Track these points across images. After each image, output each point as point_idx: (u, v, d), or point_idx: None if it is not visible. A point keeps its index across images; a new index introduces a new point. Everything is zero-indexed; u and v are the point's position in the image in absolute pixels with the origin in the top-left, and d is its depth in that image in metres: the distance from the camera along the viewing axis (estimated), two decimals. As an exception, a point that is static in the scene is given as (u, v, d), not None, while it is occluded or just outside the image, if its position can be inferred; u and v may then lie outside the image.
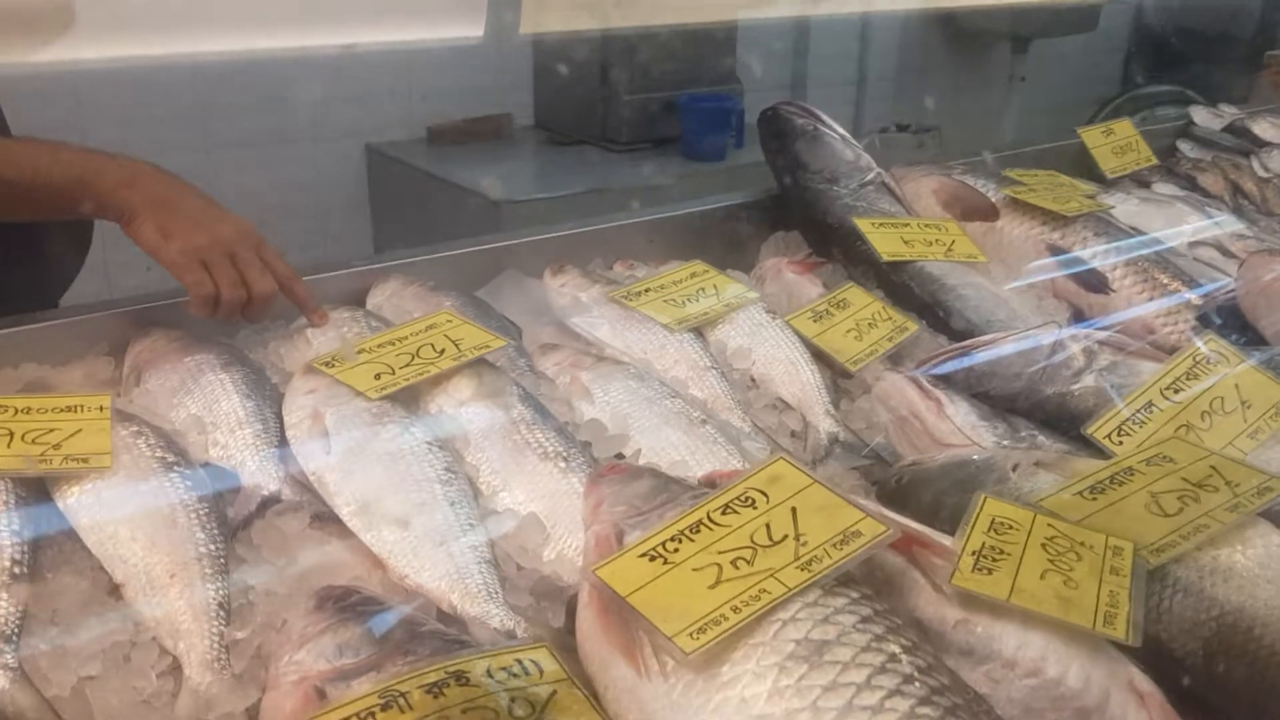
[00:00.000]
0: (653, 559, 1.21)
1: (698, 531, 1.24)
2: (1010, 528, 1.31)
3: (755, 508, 1.26)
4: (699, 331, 2.12)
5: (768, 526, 1.23)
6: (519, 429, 1.65)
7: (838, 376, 2.12)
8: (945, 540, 1.26)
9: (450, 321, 1.85)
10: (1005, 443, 1.70)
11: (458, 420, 1.69)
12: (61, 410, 1.54)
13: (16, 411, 1.52)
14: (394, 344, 1.78)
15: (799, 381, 2.05)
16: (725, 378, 2.01)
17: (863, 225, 2.40)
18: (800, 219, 2.57)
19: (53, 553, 1.42)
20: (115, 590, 1.38)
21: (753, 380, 2.08)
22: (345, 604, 1.30)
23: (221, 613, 1.36)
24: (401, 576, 1.45)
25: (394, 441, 1.61)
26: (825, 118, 2.64)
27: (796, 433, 1.99)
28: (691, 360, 2.03)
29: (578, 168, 4.92)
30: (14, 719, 1.20)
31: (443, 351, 1.75)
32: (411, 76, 5.15)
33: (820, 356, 2.12)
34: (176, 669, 1.32)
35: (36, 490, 1.46)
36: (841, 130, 2.63)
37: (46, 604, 1.35)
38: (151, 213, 1.81)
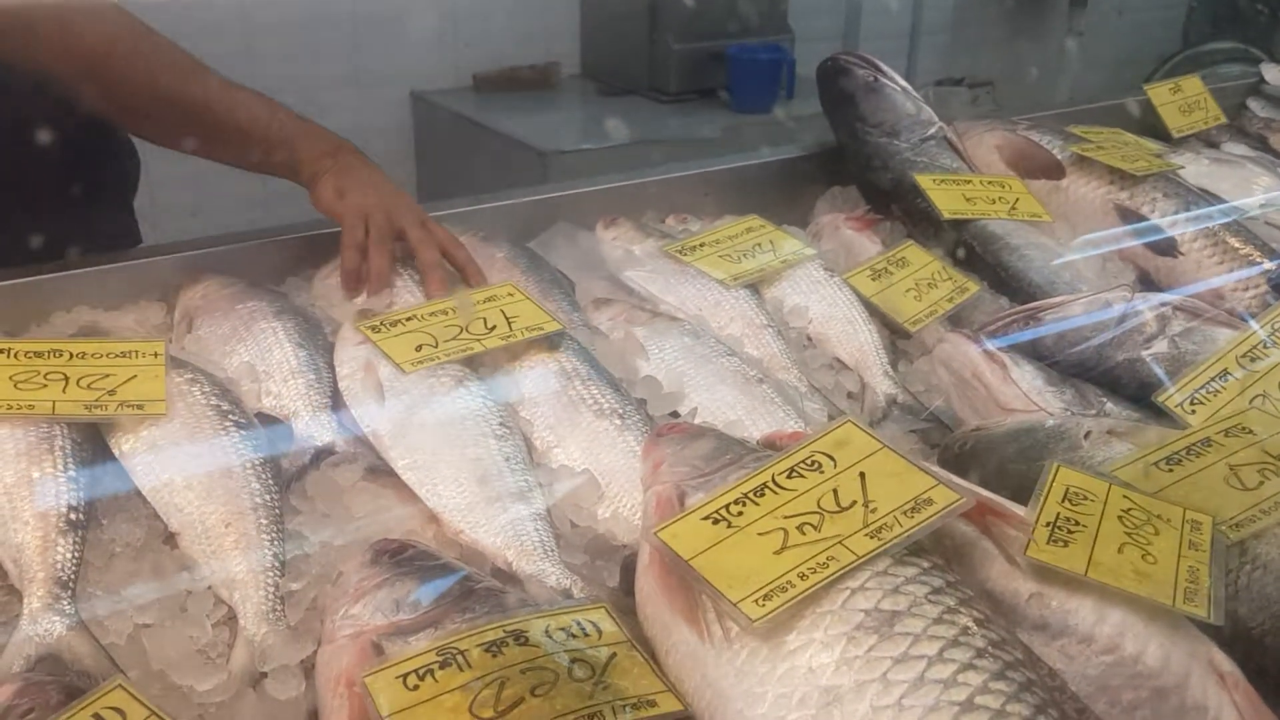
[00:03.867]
0: (716, 522, 1.18)
1: (762, 495, 1.21)
2: (1085, 498, 1.27)
3: (822, 472, 1.23)
4: (755, 288, 2.07)
5: (835, 492, 1.20)
6: (574, 385, 1.63)
7: (896, 337, 2.07)
8: (1018, 510, 1.22)
9: (511, 295, 1.80)
10: (1073, 409, 1.65)
11: (513, 375, 1.66)
12: (116, 355, 1.53)
13: (72, 356, 1.51)
14: (447, 313, 1.75)
15: (856, 341, 2.01)
16: (781, 336, 1.97)
17: (923, 181, 2.34)
18: (858, 174, 2.51)
19: (108, 499, 1.41)
20: (171, 539, 1.37)
21: (809, 339, 2.04)
22: (401, 558, 1.29)
23: (277, 564, 1.35)
24: (456, 532, 1.43)
25: (448, 395, 1.58)
26: (886, 69, 2.56)
27: (853, 394, 1.95)
28: (747, 317, 1.99)
29: (625, 118, 4.85)
30: (71, 665, 1.20)
31: (493, 328, 1.71)
32: (457, 23, 5.09)
33: (878, 316, 2.07)
34: (232, 619, 1.31)
35: (92, 436, 1.45)
36: (903, 82, 2.55)
37: (103, 551, 1.35)
38: (334, 178, 1.97)
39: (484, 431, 1.54)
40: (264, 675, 1.24)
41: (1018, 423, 1.58)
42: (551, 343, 1.70)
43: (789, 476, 1.23)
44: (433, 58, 5.09)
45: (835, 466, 1.23)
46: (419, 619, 1.19)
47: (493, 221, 2.24)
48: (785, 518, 1.18)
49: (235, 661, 1.25)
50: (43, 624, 1.22)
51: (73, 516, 1.32)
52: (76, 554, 1.30)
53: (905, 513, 1.16)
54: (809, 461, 1.24)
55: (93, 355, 1.51)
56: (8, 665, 1.18)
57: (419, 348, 1.66)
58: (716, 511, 1.19)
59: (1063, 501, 1.25)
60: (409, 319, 1.73)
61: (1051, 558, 1.16)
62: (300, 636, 1.28)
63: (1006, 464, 1.49)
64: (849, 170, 2.54)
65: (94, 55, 1.87)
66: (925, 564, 1.13)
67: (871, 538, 1.14)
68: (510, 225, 2.25)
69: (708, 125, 4.73)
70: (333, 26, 4.78)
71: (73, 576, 1.28)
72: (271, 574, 1.33)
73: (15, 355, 1.48)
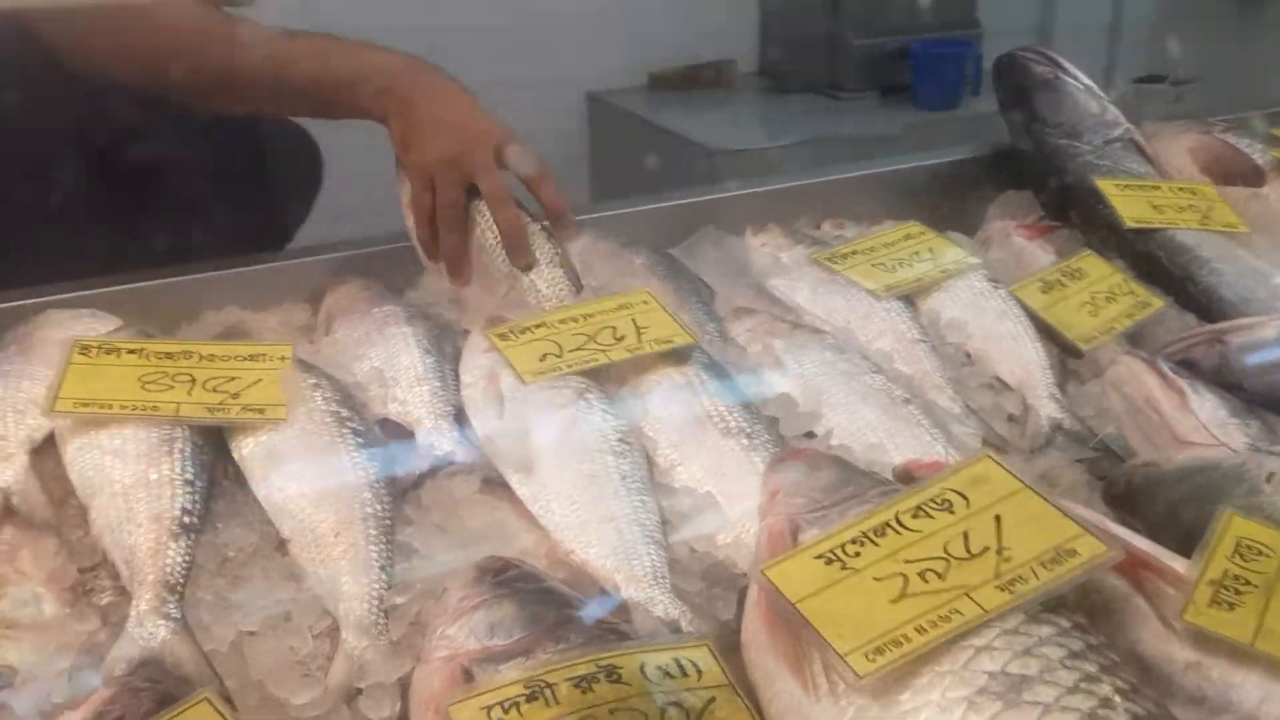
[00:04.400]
0: (830, 562, 1.09)
1: (883, 535, 1.10)
2: (1260, 553, 1.11)
3: (953, 512, 1.11)
4: (910, 299, 1.94)
5: (965, 535, 1.08)
6: (699, 400, 1.54)
7: (1066, 356, 1.91)
8: (1179, 564, 1.08)
9: (645, 304, 1.73)
10: (1259, 446, 1.47)
11: (638, 389, 1.59)
12: (245, 359, 1.53)
13: (201, 358, 1.52)
14: (576, 320, 1.68)
15: (1021, 359, 1.86)
16: (936, 352, 1.84)
17: (1105, 187, 2.16)
18: (1034, 177, 2.34)
19: (225, 503, 1.41)
20: (283, 546, 1.36)
21: (968, 356, 1.89)
22: (503, 578, 1.24)
23: (383, 576, 1.32)
24: (567, 551, 1.37)
25: (568, 408, 1.53)
26: (1068, 65, 2.39)
27: (1014, 417, 1.80)
28: (898, 331, 1.86)
29: (801, 116, 4.74)
30: (172, 671, 1.19)
31: (621, 339, 1.64)
32: (634, 22, 5.07)
33: (1047, 332, 1.91)
34: (335, 631, 1.28)
35: (214, 439, 1.45)
36: (1086, 80, 2.37)
37: (215, 555, 1.34)
38: (398, 124, 1.82)
39: (602, 447, 1.48)
40: (359, 692, 1.21)
41: (1192, 459, 1.41)
42: (679, 355, 1.63)
43: (915, 516, 1.12)
44: (610, 58, 5.08)
45: (968, 507, 1.11)
46: (511, 646, 1.14)
47: (643, 226, 2.18)
48: (907, 562, 1.07)
49: (333, 676, 1.22)
50: (148, 627, 1.22)
51: (186, 520, 1.32)
52: (187, 558, 1.30)
53: (1044, 564, 1.04)
54: (939, 500, 1.13)
55: (221, 358, 1.52)
56: (111, 668, 1.19)
57: (543, 357, 1.61)
58: (831, 550, 1.10)
59: (1232, 556, 1.09)
60: (538, 326, 1.69)
61: (1212, 623, 1.01)
62: (400, 653, 1.24)
63: (1175, 507, 1.33)
64: (1024, 174, 2.38)
65: (171, 49, 1.85)
66: (1064, 623, 1.00)
67: (1003, 590, 1.02)
68: (661, 230, 2.19)
69: (888, 123, 4.56)
70: (511, 29, 4.83)
71: (181, 580, 1.28)
72: (376, 586, 1.31)
73: (147, 355, 1.50)
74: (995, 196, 2.39)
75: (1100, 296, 1.98)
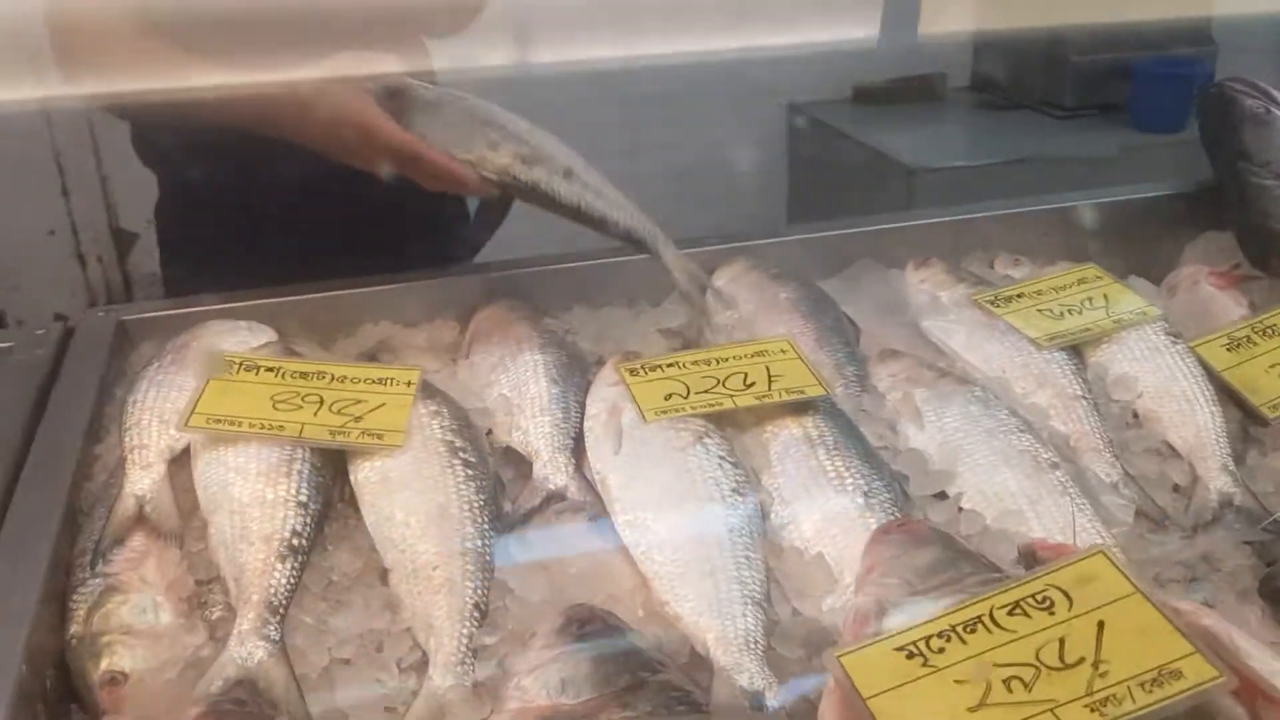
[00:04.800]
0: (911, 656, 1.01)
1: (973, 631, 1.02)
2: None
3: (1053, 613, 1.01)
4: (1076, 351, 1.81)
5: (1062, 642, 0.99)
6: (817, 454, 1.48)
7: (1250, 423, 1.74)
8: (1313, 699, 0.95)
9: (784, 352, 1.68)
10: None
11: (760, 438, 1.54)
12: (373, 381, 1.56)
13: (333, 379, 1.56)
14: (710, 364, 1.65)
15: (1194, 424, 1.70)
16: (1098, 411, 1.71)
17: (1314, 234, 1.96)
18: (1236, 221, 2.14)
19: (338, 526, 1.44)
20: (385, 574, 1.38)
21: (1135, 417, 1.75)
22: (585, 631, 1.21)
23: (476, 614, 1.32)
24: (662, 603, 1.34)
25: (684, 452, 1.49)
26: (1283, 98, 2.17)
27: (1180, 488, 1.65)
28: (1059, 385, 1.74)
29: (1010, 134, 4.53)
30: (263, 693, 1.23)
31: (751, 385, 1.59)
32: (842, 34, 4.95)
33: (1230, 395, 1.75)
34: (423, 665, 1.29)
35: (336, 461, 1.49)
36: (1304, 114, 2.15)
37: (321, 578, 1.37)
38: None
39: (712, 495, 1.43)
40: (436, 732, 1.21)
41: (1368, 561, 1.25)
42: (806, 405, 1.56)
43: (1010, 613, 1.03)
44: (816, 69, 4.99)
45: (1070, 609, 1.02)
46: (577, 707, 1.11)
47: (797, 254, 2.12)
48: (994, 665, 0.98)
49: (412, 715, 1.23)
50: (248, 647, 1.26)
51: (295, 542, 1.35)
52: (293, 580, 1.33)
53: (1143, 685, 0.93)
54: (1039, 597, 1.03)
55: (351, 380, 1.56)
56: (208, 684, 1.23)
57: (668, 396, 1.58)
58: (914, 644, 1.02)
59: (1383, 696, 0.96)
60: (669, 365, 1.66)
61: (1334, 779, 0.88)
62: (481, 696, 1.24)
63: (1340, 616, 1.18)
64: (1225, 214, 2.18)
65: None
66: (1159, 754, 0.90)
67: (1092, 711, 0.92)
68: (819, 258, 2.12)
69: (1103, 144, 4.30)
70: (712, 37, 4.80)
71: (285, 602, 1.31)
72: (468, 624, 1.30)
73: (282, 375, 1.55)
74: (1194, 238, 2.21)
75: (1297, 357, 1.79)
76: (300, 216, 2.13)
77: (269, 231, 2.13)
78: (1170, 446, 1.70)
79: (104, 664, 1.27)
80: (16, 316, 4.06)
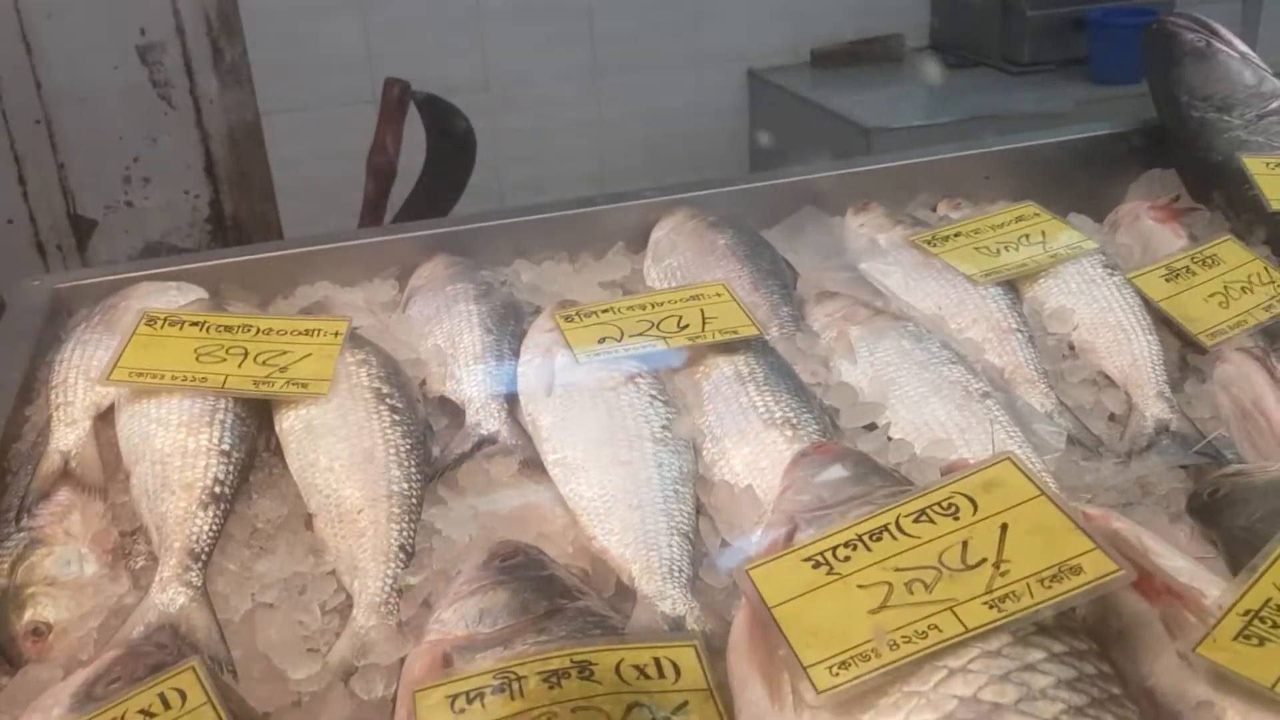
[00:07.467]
0: (817, 565, 1.01)
1: (879, 539, 1.01)
2: (1321, 584, 0.97)
3: (957, 518, 1.01)
4: (1012, 286, 1.81)
5: (965, 545, 0.99)
6: (746, 390, 1.47)
7: (1189, 351, 1.74)
8: (1209, 590, 0.95)
9: (718, 295, 1.67)
10: (1374, 460, 1.29)
11: (691, 377, 1.53)
12: (299, 333, 1.55)
13: (258, 331, 1.55)
14: (645, 308, 1.64)
15: (1130, 353, 1.70)
16: (1034, 343, 1.71)
17: (1252, 165, 1.96)
18: (1178, 155, 2.14)
19: (263, 475, 1.43)
20: (310, 520, 1.37)
21: (1071, 348, 1.75)
22: (507, 565, 1.21)
23: (401, 555, 1.32)
24: (589, 537, 1.33)
25: (615, 391, 1.48)
26: (1224, 32, 2.17)
27: (1116, 416, 1.65)
28: (994, 319, 1.74)
29: (968, 92, 4.51)
30: (185, 637, 1.22)
31: (685, 328, 1.59)
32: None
33: (1167, 325, 1.75)
34: (347, 607, 1.29)
35: (263, 411, 1.48)
36: (1243, 48, 2.15)
37: (245, 525, 1.37)
38: None
39: (641, 432, 1.43)
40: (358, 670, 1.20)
41: (1284, 471, 1.25)
42: (737, 344, 1.56)
43: (916, 520, 1.02)
44: (773, 34, 4.97)
45: (975, 513, 1.02)
46: (493, 635, 1.11)
47: (743, 205, 2.11)
48: (896, 570, 0.98)
49: (335, 653, 1.22)
50: (169, 593, 1.25)
51: (217, 490, 1.35)
52: (215, 527, 1.32)
53: (1042, 581, 0.93)
54: (945, 504, 1.03)
55: (278, 332, 1.55)
56: (129, 630, 1.22)
57: (602, 339, 1.57)
58: (820, 554, 1.02)
59: (1281, 586, 0.96)
60: (605, 311, 1.65)
61: (1229, 659, 0.88)
62: (405, 634, 1.23)
63: (1256, 523, 1.18)
64: (1169, 151, 2.18)
65: None
66: (1058, 647, 0.90)
67: (990, 608, 0.92)
68: (762, 210, 2.11)
69: (1061, 99, 4.29)
70: (671, 5, 4.78)
71: (207, 549, 1.30)
72: (393, 565, 1.30)
73: (207, 329, 1.54)
74: (1137, 176, 2.21)
75: (1235, 287, 1.80)
76: None
77: None
78: (1107, 377, 1.71)
79: (27, 615, 1.27)
80: (-23, 306, 4.03)
